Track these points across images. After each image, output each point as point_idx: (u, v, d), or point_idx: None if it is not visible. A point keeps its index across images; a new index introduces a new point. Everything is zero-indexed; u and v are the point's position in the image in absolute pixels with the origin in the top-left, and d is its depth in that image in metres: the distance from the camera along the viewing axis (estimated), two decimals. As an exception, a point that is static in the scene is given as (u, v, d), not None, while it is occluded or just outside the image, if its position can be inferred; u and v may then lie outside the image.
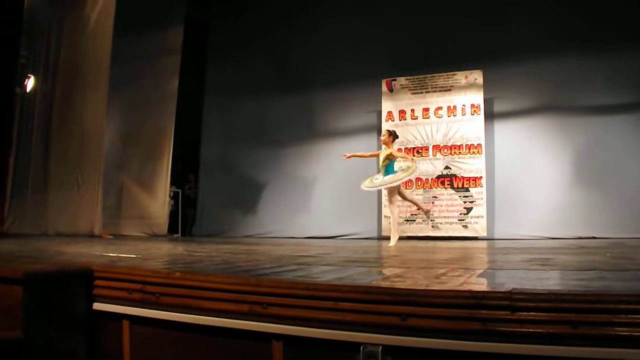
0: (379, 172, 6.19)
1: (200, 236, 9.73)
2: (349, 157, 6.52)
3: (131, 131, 9.79)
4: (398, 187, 6.05)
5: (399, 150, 6.54)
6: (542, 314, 1.54)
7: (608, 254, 3.97)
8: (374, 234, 8.63)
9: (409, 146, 8.48)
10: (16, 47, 7.97)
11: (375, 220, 8.70)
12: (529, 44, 7.89)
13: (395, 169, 6.03)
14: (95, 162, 8.30)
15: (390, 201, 6.04)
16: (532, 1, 7.99)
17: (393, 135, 6.22)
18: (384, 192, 6.18)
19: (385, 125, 8.65)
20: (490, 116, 8.19)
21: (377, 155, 6.30)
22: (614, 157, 7.45)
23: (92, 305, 2.28)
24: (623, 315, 1.46)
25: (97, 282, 2.31)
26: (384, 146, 6.16)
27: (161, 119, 9.69)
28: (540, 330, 1.53)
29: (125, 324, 2.21)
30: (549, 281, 2.16)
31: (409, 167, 6.04)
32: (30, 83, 8.29)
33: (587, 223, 7.37)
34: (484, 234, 7.84)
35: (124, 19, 8.70)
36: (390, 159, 6.01)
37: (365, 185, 6.05)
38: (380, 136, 6.53)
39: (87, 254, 3.76)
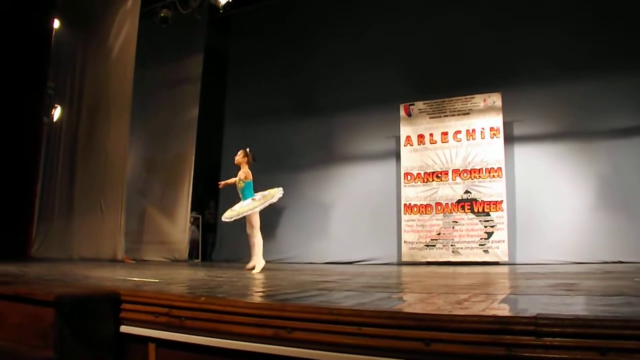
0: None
1: (220, 261, 9.76)
2: (222, 186, 6.43)
3: (153, 158, 10.05)
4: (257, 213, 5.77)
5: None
6: (569, 339, 1.52)
7: (636, 279, 3.90)
8: (394, 259, 8.57)
9: (428, 170, 8.47)
10: (44, 79, 8.27)
11: (394, 245, 8.64)
12: (548, 65, 7.85)
13: (257, 196, 5.79)
14: (118, 188, 8.51)
15: (252, 226, 5.75)
16: (551, 22, 7.93)
17: (248, 156, 5.95)
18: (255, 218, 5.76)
19: (404, 151, 8.68)
20: (510, 139, 8.11)
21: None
22: (639, 180, 7.30)
23: (119, 328, 2.32)
24: (654, 342, 1.44)
25: (124, 306, 2.35)
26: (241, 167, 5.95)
27: (182, 146, 9.91)
28: (567, 357, 1.51)
29: (152, 347, 2.24)
30: (575, 306, 2.14)
31: (269, 193, 5.81)
32: (57, 113, 8.57)
33: (613, 247, 7.18)
34: (505, 258, 7.72)
35: (145, 48, 9.06)
36: (243, 180, 5.82)
37: (225, 217, 5.81)
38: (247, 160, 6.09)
39: (112, 278, 3.82)
